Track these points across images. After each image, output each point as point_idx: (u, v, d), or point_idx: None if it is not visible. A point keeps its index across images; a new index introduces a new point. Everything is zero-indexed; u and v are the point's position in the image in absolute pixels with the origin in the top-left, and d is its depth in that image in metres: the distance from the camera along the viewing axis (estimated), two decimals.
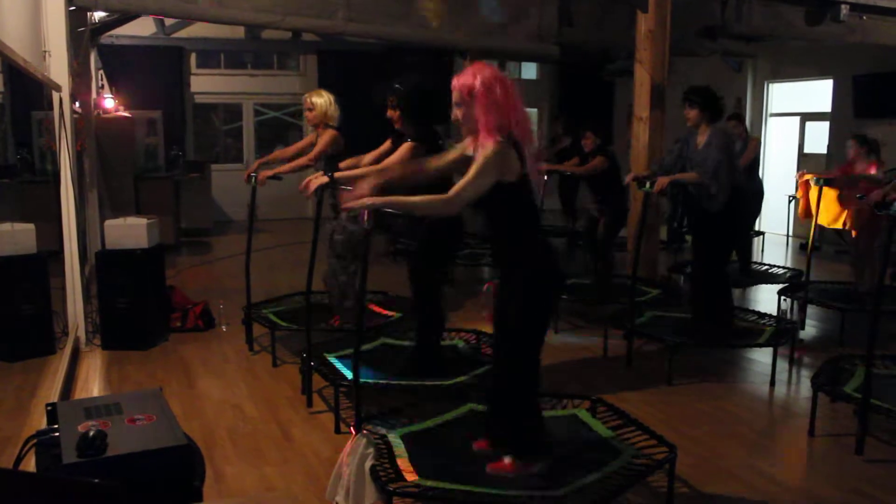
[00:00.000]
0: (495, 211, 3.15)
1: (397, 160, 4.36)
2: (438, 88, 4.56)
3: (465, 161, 3.12)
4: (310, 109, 5.39)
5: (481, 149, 3.02)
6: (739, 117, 8.27)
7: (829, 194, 6.49)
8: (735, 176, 5.18)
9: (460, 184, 3.00)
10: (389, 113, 4.60)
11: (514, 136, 3.03)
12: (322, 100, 5.37)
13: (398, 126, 4.62)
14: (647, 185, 5.20)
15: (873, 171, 6.45)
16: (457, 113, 3.12)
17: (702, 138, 5.21)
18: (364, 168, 4.59)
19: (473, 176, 2.98)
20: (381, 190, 3.14)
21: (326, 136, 5.32)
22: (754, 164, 7.91)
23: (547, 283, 3.16)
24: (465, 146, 3.21)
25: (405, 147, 4.43)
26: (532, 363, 3.21)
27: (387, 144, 4.79)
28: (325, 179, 4.46)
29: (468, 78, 3.06)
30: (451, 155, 3.29)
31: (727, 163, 5.07)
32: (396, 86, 4.58)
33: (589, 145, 6.77)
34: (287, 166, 5.46)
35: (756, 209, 8.19)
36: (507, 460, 3.21)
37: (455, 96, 3.11)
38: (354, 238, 5.28)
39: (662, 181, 5.19)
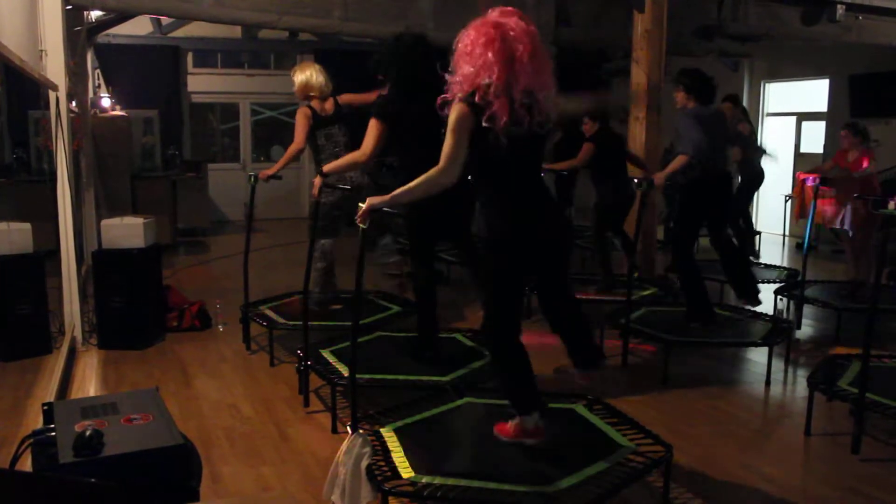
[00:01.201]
0: (472, 173, 3.19)
1: (370, 141, 4.31)
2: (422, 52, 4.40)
3: None
4: (294, 85, 5.49)
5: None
6: (735, 100, 8.27)
7: (827, 193, 6.50)
8: (705, 155, 5.22)
9: (443, 151, 3.05)
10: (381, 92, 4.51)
11: (487, 90, 2.97)
12: (303, 75, 5.47)
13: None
14: (645, 184, 5.22)
15: (865, 163, 6.44)
16: None
17: None
18: (348, 156, 4.59)
19: (447, 139, 3.03)
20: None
21: (296, 117, 5.44)
22: (746, 146, 7.94)
23: (505, 247, 3.17)
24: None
25: (371, 127, 4.31)
26: (500, 328, 3.27)
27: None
28: (321, 180, 4.49)
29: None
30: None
31: (686, 139, 5.15)
32: (375, 59, 4.46)
33: (589, 131, 6.65)
34: (281, 161, 5.52)
35: (749, 191, 8.22)
36: (508, 425, 3.34)
37: None
38: (326, 210, 5.34)
39: (659, 179, 5.22)
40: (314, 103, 5.43)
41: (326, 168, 4.57)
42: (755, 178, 8.44)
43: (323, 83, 5.45)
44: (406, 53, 4.33)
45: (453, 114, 3.01)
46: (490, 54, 2.95)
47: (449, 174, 3.05)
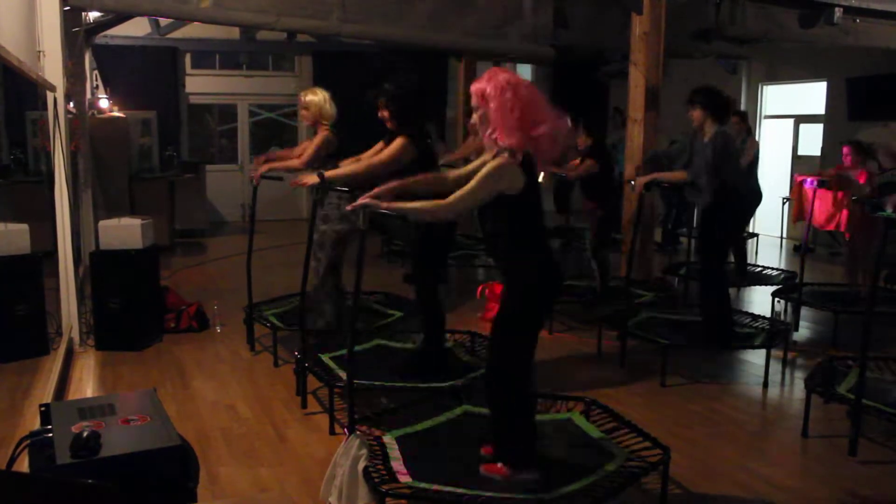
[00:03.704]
0: (497, 222, 3.16)
1: (390, 154, 4.42)
2: (428, 87, 4.55)
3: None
4: (305, 108, 5.37)
5: (490, 157, 3.08)
6: (743, 115, 8.22)
7: (824, 196, 6.50)
8: (732, 177, 5.17)
9: (461, 192, 3.03)
10: (381, 113, 4.57)
11: (529, 145, 3.01)
12: (317, 98, 5.34)
13: (389, 126, 4.58)
14: (632, 184, 5.24)
15: (863, 179, 6.45)
16: (474, 118, 3.15)
17: (706, 137, 5.24)
18: (352, 165, 4.63)
19: (474, 187, 3.02)
20: (396, 196, 3.18)
21: (317, 139, 5.30)
22: (753, 164, 7.89)
23: (541, 299, 3.20)
24: (486, 156, 3.21)
25: (399, 142, 4.43)
26: (520, 374, 3.22)
27: (379, 145, 4.71)
28: (317, 179, 4.46)
29: (482, 82, 3.07)
30: (472, 166, 3.27)
31: (721, 164, 5.08)
32: (385, 86, 4.56)
33: (581, 144, 6.70)
34: (278, 164, 5.43)
35: (751, 210, 8.17)
36: (500, 464, 3.22)
37: (472, 101, 3.14)
38: (326, 238, 5.30)
39: (640, 182, 5.21)
40: (330, 134, 5.33)
41: (330, 174, 4.57)
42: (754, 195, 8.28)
43: (334, 115, 5.38)
44: (412, 103, 4.56)
45: (493, 166, 3.02)
46: (533, 105, 3.03)
47: (450, 214, 3.17)
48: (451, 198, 3.03)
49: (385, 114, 4.55)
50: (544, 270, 3.15)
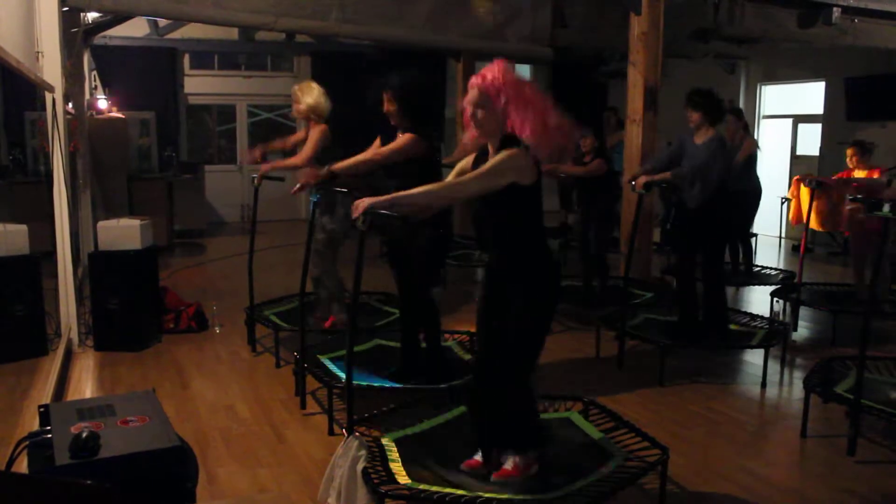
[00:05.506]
0: (504, 214, 3.09)
1: (394, 148, 4.30)
2: (433, 88, 4.45)
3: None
4: (297, 103, 5.35)
5: (503, 150, 2.99)
6: (739, 113, 8.19)
7: (822, 197, 6.48)
8: (724, 179, 5.22)
9: (475, 173, 2.99)
10: (387, 108, 4.39)
11: (543, 139, 2.97)
12: (311, 98, 5.30)
13: (394, 122, 4.42)
14: (632, 185, 5.27)
15: (877, 174, 6.43)
16: (478, 114, 3.02)
17: (699, 139, 5.25)
18: (363, 155, 4.51)
19: (490, 170, 2.95)
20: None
21: (315, 134, 5.29)
22: (751, 163, 7.87)
23: (548, 298, 3.14)
24: (467, 161, 3.20)
25: (408, 136, 4.28)
26: (528, 373, 3.23)
27: (377, 143, 4.60)
28: (315, 176, 4.42)
29: (494, 75, 2.98)
30: (463, 164, 3.25)
31: (714, 167, 5.13)
32: (394, 79, 4.39)
33: (587, 146, 6.65)
34: (279, 163, 5.43)
35: (750, 208, 8.16)
36: (509, 465, 3.21)
37: (475, 96, 3.02)
38: (335, 236, 5.36)
39: (640, 182, 5.24)
40: (326, 128, 5.31)
41: (337, 166, 4.50)
42: (754, 194, 8.29)
43: (328, 109, 5.35)
44: (421, 99, 4.45)
45: (508, 154, 2.96)
46: (544, 99, 2.99)
47: (457, 197, 3.16)
48: (465, 177, 2.99)
49: (391, 108, 4.36)
50: (553, 263, 3.16)
